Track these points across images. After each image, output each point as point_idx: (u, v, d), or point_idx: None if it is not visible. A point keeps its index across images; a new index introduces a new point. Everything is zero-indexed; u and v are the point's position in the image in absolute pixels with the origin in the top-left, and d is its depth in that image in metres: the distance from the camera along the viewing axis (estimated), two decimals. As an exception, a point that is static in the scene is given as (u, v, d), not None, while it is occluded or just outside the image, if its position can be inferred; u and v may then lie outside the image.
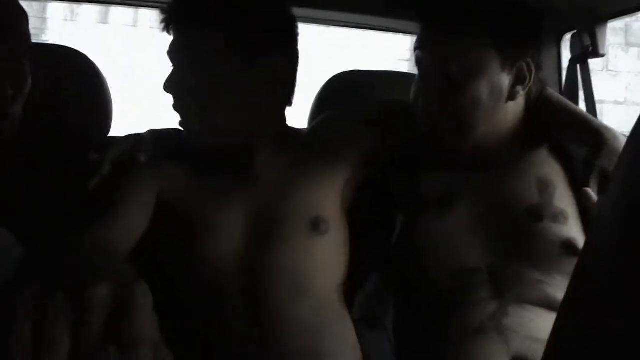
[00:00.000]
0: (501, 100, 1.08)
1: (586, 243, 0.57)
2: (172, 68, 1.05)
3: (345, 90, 1.41)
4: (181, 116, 1.07)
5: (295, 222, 1.04)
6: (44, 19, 4.22)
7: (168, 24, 1.04)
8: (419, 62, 1.10)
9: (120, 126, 1.31)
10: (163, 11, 1.04)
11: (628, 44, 4.43)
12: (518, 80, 1.08)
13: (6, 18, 0.93)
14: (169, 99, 1.07)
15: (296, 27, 1.09)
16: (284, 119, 1.12)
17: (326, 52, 3.86)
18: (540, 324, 1.01)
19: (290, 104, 1.11)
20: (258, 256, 1.02)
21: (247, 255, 1.02)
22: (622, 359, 0.44)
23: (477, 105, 1.06)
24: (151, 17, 4.26)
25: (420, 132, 1.12)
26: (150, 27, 4.46)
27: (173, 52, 1.05)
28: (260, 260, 1.02)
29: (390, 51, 4.46)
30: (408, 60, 4.54)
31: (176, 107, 1.06)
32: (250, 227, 1.04)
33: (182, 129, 1.08)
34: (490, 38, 1.04)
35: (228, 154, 1.07)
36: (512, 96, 1.08)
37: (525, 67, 1.07)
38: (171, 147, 1.11)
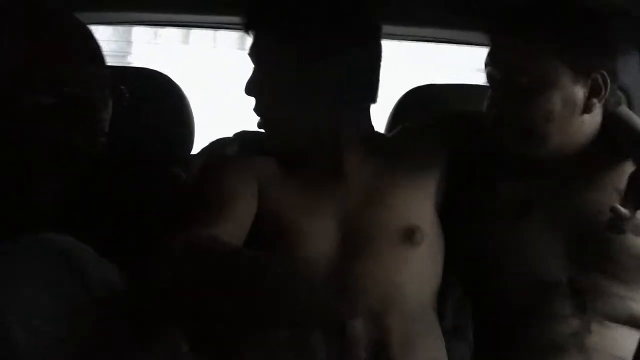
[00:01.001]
0: (575, 112, 1.05)
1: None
2: (252, 70, 1.07)
3: (421, 104, 1.41)
4: (261, 118, 1.08)
5: (387, 232, 1.03)
6: (129, 42, 4.41)
7: (248, 25, 1.06)
8: (489, 76, 1.10)
9: (203, 143, 1.35)
10: (243, 12, 1.06)
11: None
12: (593, 92, 1.05)
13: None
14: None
15: (375, 23, 1.09)
16: (369, 120, 1.12)
17: (400, 66, 3.85)
18: (625, 342, 0.98)
19: (374, 101, 1.10)
20: (348, 265, 1.02)
21: (337, 263, 1.02)
22: None
23: (549, 117, 1.04)
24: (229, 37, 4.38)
25: (493, 142, 1.11)
26: (229, 47, 4.59)
27: (252, 54, 1.07)
28: (351, 269, 1.01)
29: (467, 62, 4.41)
30: (482, 70, 4.47)
31: (256, 109, 1.08)
32: (340, 234, 1.04)
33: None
34: (559, 49, 1.02)
35: (313, 156, 1.08)
36: (587, 109, 1.06)
37: (600, 79, 1.04)
38: (258, 148, 1.12)
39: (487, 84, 1.11)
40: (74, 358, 0.73)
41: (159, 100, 1.31)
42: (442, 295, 1.11)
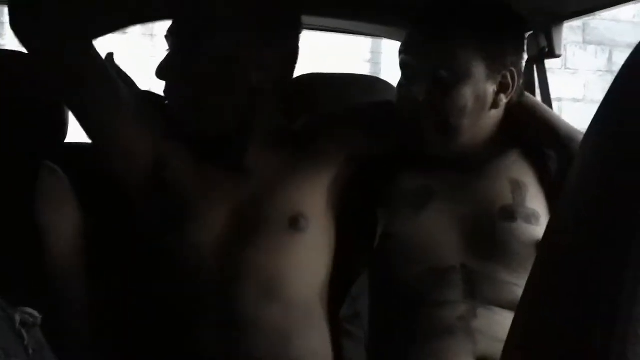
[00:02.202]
0: (485, 108, 1.09)
1: (543, 240, 0.57)
2: (166, 53, 1.05)
3: (307, 93, 1.41)
4: (172, 100, 1.06)
5: (274, 219, 1.04)
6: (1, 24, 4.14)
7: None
8: (404, 65, 1.10)
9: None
10: None
11: (586, 42, 4.51)
12: (502, 88, 1.09)
13: None
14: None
15: (294, 19, 1.09)
16: (278, 115, 1.12)
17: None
18: (509, 326, 1.02)
19: (282, 92, 1.10)
20: (234, 252, 1.02)
21: (225, 250, 1.02)
22: (579, 355, 0.45)
23: (462, 111, 1.07)
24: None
25: (403, 133, 1.12)
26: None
27: (169, 36, 1.05)
28: (236, 256, 1.02)
29: (354, 52, 4.47)
30: (370, 62, 4.56)
31: (167, 92, 1.06)
32: (233, 221, 1.04)
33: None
34: (477, 46, 1.05)
35: (218, 144, 1.07)
36: (495, 104, 1.09)
37: (509, 76, 1.08)
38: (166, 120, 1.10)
39: (376, 73, 1.12)
40: None
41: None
42: (346, 284, 1.12)
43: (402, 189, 1.13)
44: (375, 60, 4.51)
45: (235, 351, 1.00)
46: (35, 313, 0.78)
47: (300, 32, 1.09)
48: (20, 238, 0.97)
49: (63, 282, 0.99)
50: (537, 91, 1.42)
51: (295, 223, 1.04)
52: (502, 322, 1.03)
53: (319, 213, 1.08)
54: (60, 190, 1.02)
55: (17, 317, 0.76)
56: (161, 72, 1.04)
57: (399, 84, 1.13)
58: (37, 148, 1.15)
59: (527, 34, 1.34)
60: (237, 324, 1.00)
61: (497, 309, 1.05)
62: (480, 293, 1.06)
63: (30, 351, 0.76)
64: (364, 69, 4.44)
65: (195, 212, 1.04)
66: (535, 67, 1.41)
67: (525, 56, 1.19)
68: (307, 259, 1.06)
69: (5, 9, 0.98)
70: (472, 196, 1.11)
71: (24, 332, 0.76)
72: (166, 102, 1.09)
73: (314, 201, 1.08)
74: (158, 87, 1.09)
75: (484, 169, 1.12)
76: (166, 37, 1.05)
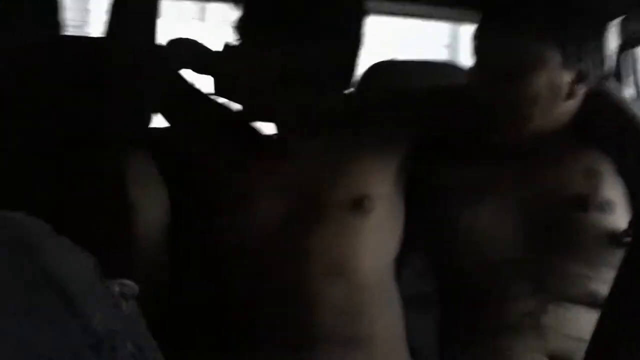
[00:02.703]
0: (559, 98, 1.04)
1: (635, 235, 0.54)
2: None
3: (383, 80, 1.39)
4: (224, 96, 1.09)
5: (338, 200, 1.03)
6: (86, 11, 4.29)
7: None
8: (477, 51, 1.08)
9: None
10: None
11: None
12: (579, 77, 1.04)
13: None
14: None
15: (357, 17, 1.07)
16: (337, 103, 1.11)
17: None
18: (582, 322, 0.99)
19: (347, 85, 1.10)
20: (298, 233, 1.02)
21: (289, 231, 1.03)
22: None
23: (534, 101, 1.03)
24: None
25: (471, 120, 1.10)
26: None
27: (237, 29, 1.06)
28: (300, 237, 1.02)
29: (432, 38, 4.41)
30: (448, 47, 4.48)
31: (217, 89, 1.09)
32: (297, 203, 1.04)
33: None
34: (552, 33, 1.01)
35: (277, 132, 1.08)
36: (571, 94, 1.05)
37: (586, 66, 1.03)
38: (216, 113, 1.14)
39: (454, 59, 1.10)
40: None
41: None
42: (402, 263, 1.11)
43: (465, 176, 1.10)
44: (453, 46, 4.43)
45: (301, 330, 1.00)
46: (133, 284, 0.81)
47: (363, 17, 1.08)
48: (108, 219, 1.00)
49: (147, 264, 1.02)
50: (630, 79, 1.35)
51: (359, 204, 1.03)
52: (574, 318, 1.00)
53: (385, 194, 1.07)
54: (148, 173, 1.04)
55: (116, 289, 0.79)
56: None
57: (470, 69, 1.10)
58: (124, 132, 1.19)
59: (618, 19, 1.27)
60: (303, 304, 1.01)
61: (569, 305, 1.02)
62: (549, 287, 1.02)
63: (130, 320, 0.79)
64: (442, 55, 4.36)
65: (258, 195, 1.04)
66: (626, 53, 1.34)
67: (615, 43, 1.13)
68: (374, 240, 1.04)
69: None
70: (541, 185, 1.07)
71: (122, 302, 0.79)
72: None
73: (380, 182, 1.06)
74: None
75: (555, 157, 1.08)
76: (235, 28, 1.06)
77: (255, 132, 1.11)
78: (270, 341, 1.01)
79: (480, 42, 1.07)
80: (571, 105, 1.07)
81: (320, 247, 1.02)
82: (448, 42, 4.51)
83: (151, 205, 1.02)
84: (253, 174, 1.06)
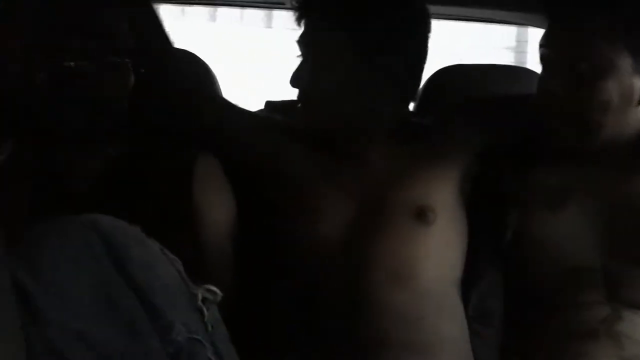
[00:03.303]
0: (632, 104, 1.02)
1: None
2: (299, 61, 1.08)
3: (449, 85, 1.39)
4: (304, 104, 1.10)
5: (400, 210, 1.04)
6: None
7: (300, 16, 1.07)
8: (544, 59, 1.06)
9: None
10: (297, 3, 1.07)
11: None
12: None
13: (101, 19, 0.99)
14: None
15: (424, 25, 1.09)
16: (404, 111, 1.13)
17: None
18: None
19: (414, 97, 1.12)
20: (361, 241, 1.03)
21: (352, 239, 1.04)
22: None
23: (605, 107, 1.01)
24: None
25: (541, 128, 1.08)
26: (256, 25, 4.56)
27: (301, 43, 1.08)
28: (362, 245, 1.03)
29: (498, 41, 4.35)
30: (515, 50, 4.41)
31: (301, 98, 1.10)
32: (357, 212, 1.05)
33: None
34: (623, 36, 0.99)
35: (343, 139, 1.09)
36: None
37: None
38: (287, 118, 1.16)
39: (521, 61, 1.09)
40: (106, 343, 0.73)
41: (188, 81, 1.31)
42: (472, 280, 1.10)
43: (537, 186, 1.08)
44: (520, 49, 4.35)
45: (362, 334, 1.01)
46: (216, 290, 0.83)
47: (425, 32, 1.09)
48: (178, 222, 1.02)
49: (214, 265, 1.04)
50: None
51: (422, 215, 1.04)
52: None
53: (448, 206, 1.07)
54: (216, 177, 1.06)
55: (200, 294, 0.82)
56: (294, 81, 1.08)
57: (540, 76, 1.09)
58: (193, 138, 1.23)
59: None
60: (364, 309, 1.01)
61: None
62: (625, 295, 1.01)
63: (210, 327, 0.82)
64: (508, 58, 4.29)
65: (324, 200, 1.06)
66: None
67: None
68: (436, 250, 1.05)
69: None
70: (617, 193, 1.05)
71: (204, 308, 0.82)
72: (298, 105, 1.13)
73: (443, 194, 1.07)
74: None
75: (630, 164, 1.06)
76: (298, 42, 1.08)
77: (325, 138, 1.12)
78: (332, 345, 1.02)
79: (549, 49, 1.05)
80: None
81: (383, 254, 1.03)
82: (514, 45, 4.44)
83: (217, 208, 1.05)
84: (320, 179, 1.08)
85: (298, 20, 1.07)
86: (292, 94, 1.13)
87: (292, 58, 1.10)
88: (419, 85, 1.11)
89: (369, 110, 1.06)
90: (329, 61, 1.04)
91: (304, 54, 1.07)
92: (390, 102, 1.08)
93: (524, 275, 1.08)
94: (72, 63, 0.94)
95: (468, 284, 1.09)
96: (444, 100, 1.28)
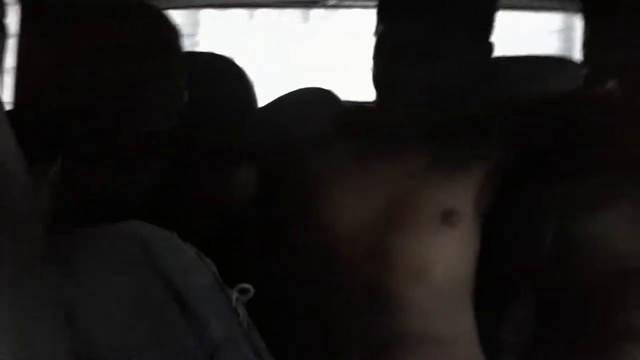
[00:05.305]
0: None
1: None
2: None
3: (487, 79, 1.34)
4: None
5: (425, 210, 1.07)
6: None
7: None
8: (589, 58, 1.05)
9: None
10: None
11: None
12: None
13: (160, 35, 1.00)
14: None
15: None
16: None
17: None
18: None
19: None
20: (383, 239, 1.07)
21: (374, 236, 1.07)
22: None
23: None
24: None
25: (585, 127, 1.07)
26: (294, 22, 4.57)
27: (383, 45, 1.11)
28: (384, 242, 1.06)
29: (543, 27, 4.25)
30: (561, 38, 4.30)
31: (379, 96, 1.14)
32: (382, 211, 1.08)
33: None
34: None
35: (387, 139, 1.12)
36: None
37: None
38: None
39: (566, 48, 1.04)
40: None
41: (223, 85, 1.32)
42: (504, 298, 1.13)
43: (582, 186, 1.06)
44: (567, 36, 4.24)
45: (380, 331, 1.04)
46: (249, 287, 0.84)
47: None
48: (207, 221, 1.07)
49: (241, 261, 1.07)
50: None
51: (448, 217, 1.06)
52: None
53: (470, 208, 1.08)
54: (249, 184, 1.12)
55: (234, 295, 0.82)
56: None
57: (584, 78, 1.05)
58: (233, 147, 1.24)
59: None
60: (383, 306, 1.05)
61: None
62: None
63: (245, 326, 0.82)
64: (553, 46, 4.19)
65: (348, 198, 1.09)
66: None
67: None
68: (457, 251, 1.08)
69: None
70: None
71: (239, 308, 0.83)
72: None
73: (466, 196, 1.08)
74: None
75: None
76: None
77: (358, 132, 1.16)
78: (352, 341, 1.06)
79: (591, 49, 1.02)
80: None
81: (404, 253, 1.06)
82: (561, 27, 4.34)
83: (244, 204, 1.10)
84: (350, 175, 1.11)
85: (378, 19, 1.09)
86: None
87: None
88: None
89: (421, 109, 1.08)
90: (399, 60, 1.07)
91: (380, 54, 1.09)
92: (445, 102, 1.10)
93: (564, 280, 1.06)
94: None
95: (499, 303, 1.12)
96: (480, 99, 1.25)
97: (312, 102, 1.23)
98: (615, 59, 0.99)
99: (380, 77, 1.10)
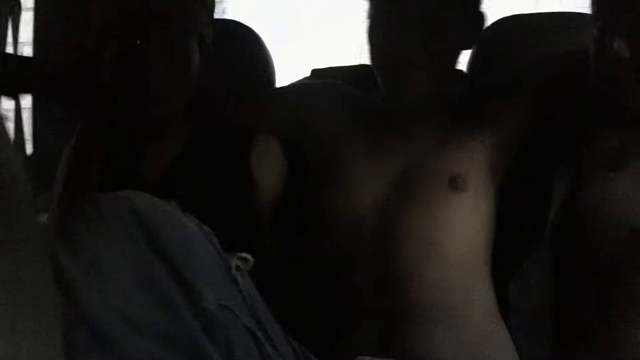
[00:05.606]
0: None
1: None
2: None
3: (501, 40, 1.31)
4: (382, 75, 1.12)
5: (434, 179, 1.06)
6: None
7: None
8: (602, 15, 1.00)
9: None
10: None
11: None
12: None
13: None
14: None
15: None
16: (451, 76, 1.13)
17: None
18: None
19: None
20: (394, 210, 1.06)
21: (385, 208, 1.06)
22: None
23: None
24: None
25: (598, 88, 1.02)
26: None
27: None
28: (395, 214, 1.06)
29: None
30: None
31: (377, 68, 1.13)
32: (393, 180, 1.08)
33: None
34: None
35: (396, 110, 1.11)
36: None
37: None
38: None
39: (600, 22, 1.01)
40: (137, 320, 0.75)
41: (240, 53, 1.32)
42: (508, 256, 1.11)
43: (594, 148, 1.04)
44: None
45: (394, 302, 1.03)
46: (249, 257, 0.85)
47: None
48: (238, 192, 1.09)
49: (260, 233, 1.09)
50: None
51: (454, 184, 1.05)
52: None
53: (479, 175, 1.07)
54: (272, 152, 1.13)
55: (233, 263, 0.83)
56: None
57: (598, 34, 1.01)
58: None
59: None
60: (397, 278, 1.04)
61: None
62: None
63: (244, 294, 0.83)
64: (570, 4, 4.08)
65: (355, 171, 1.09)
66: None
67: None
68: (467, 218, 1.06)
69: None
70: None
71: (238, 277, 0.83)
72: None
73: (475, 163, 1.07)
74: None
75: None
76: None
77: (366, 106, 1.16)
78: (367, 314, 1.04)
79: (600, 6, 0.99)
80: None
81: (416, 222, 1.05)
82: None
83: (270, 180, 1.11)
84: (361, 147, 1.11)
85: None
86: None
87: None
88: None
89: (433, 82, 1.06)
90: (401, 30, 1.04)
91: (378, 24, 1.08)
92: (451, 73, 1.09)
93: (576, 243, 1.04)
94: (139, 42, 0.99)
95: (507, 258, 1.09)
96: (499, 59, 1.24)
97: (327, 88, 1.22)
98: (624, 17, 0.96)
99: (378, 56, 1.09)
